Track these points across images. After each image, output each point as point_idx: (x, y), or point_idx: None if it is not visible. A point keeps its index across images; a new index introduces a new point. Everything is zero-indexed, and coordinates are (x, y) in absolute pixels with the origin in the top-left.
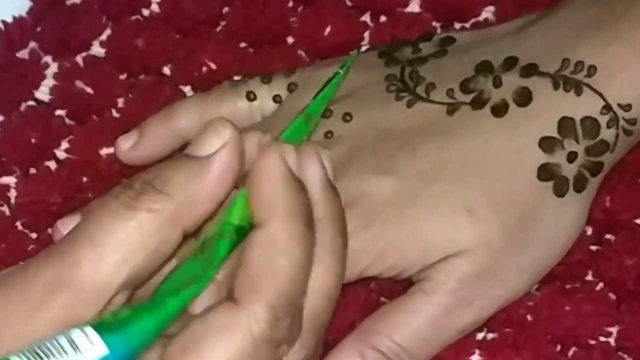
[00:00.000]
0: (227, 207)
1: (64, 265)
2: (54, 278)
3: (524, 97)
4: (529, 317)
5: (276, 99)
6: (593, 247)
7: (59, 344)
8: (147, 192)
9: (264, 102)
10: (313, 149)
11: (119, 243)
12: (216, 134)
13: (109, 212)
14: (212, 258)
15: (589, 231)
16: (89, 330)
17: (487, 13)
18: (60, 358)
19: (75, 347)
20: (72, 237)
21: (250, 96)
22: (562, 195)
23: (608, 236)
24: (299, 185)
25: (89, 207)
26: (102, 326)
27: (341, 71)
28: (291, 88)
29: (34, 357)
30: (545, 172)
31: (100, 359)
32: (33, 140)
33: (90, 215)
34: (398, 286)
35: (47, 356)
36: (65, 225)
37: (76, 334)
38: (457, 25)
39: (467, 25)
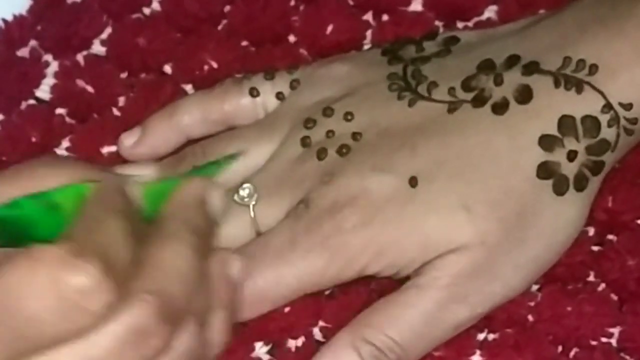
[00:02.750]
0: None
1: None
2: None
3: (524, 95)
4: (530, 318)
5: (279, 95)
6: (595, 248)
7: None
8: None
9: (267, 99)
10: None
11: None
12: None
13: None
14: None
15: (591, 232)
16: None
17: (490, 12)
18: None
19: None
20: None
21: (254, 92)
22: (562, 194)
23: (610, 237)
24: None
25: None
26: None
27: (223, 163)
28: (294, 85)
29: None
30: (545, 170)
31: None
32: (33, 139)
33: None
34: (398, 287)
35: None
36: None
37: None
38: (460, 25)
39: (470, 24)
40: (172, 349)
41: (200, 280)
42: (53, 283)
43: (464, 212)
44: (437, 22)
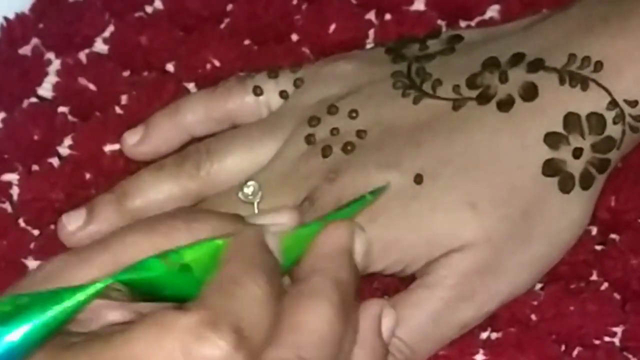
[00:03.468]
0: None
1: None
2: None
3: (530, 92)
4: (533, 317)
5: (283, 94)
6: (598, 247)
7: None
8: None
9: (271, 97)
10: None
11: None
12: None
13: None
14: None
15: (594, 231)
16: None
17: (493, 12)
18: None
19: None
20: None
21: (257, 91)
22: (568, 192)
23: (613, 236)
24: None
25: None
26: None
27: (369, 196)
28: (297, 83)
29: None
30: (550, 168)
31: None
32: (36, 137)
33: None
34: (402, 285)
35: None
36: (71, 220)
37: None
38: (463, 24)
39: (473, 23)
40: None
41: (344, 344)
42: (182, 354)
43: (470, 209)
44: (439, 22)
